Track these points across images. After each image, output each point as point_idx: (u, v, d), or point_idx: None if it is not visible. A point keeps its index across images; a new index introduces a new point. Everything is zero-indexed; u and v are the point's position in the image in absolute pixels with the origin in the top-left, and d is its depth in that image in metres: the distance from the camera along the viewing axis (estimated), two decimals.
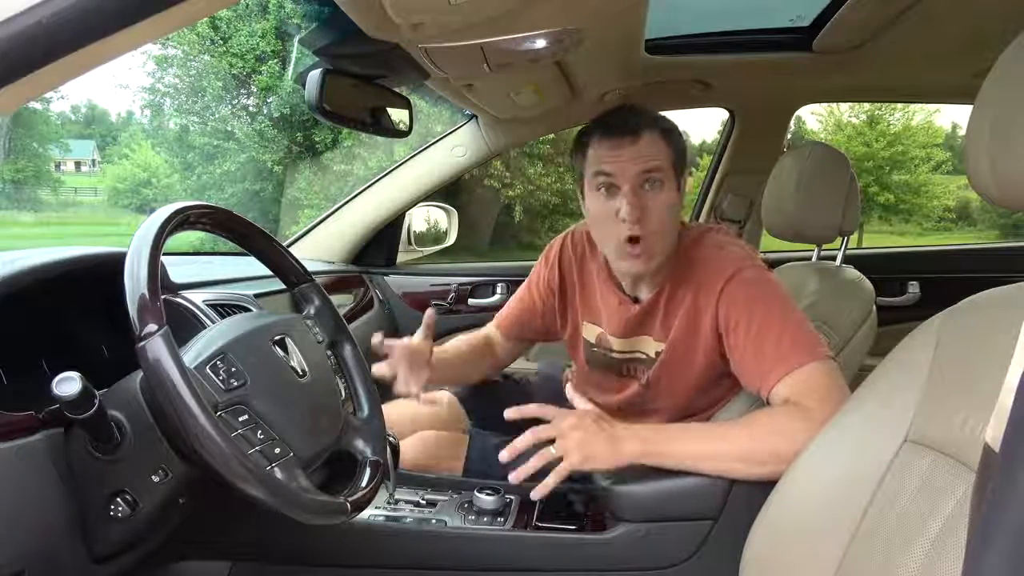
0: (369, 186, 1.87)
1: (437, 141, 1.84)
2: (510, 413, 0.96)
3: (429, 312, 1.11)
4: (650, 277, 1.08)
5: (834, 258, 1.46)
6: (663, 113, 1.07)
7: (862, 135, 13.45)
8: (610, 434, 0.92)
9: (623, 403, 1.16)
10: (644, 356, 1.12)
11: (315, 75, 1.07)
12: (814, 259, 1.50)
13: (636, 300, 1.11)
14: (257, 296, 1.21)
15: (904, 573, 0.57)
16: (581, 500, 1.02)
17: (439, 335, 1.95)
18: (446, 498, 1.00)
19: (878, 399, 0.71)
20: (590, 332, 1.20)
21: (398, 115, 1.31)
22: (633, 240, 0.99)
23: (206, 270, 1.29)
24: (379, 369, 1.04)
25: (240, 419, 0.66)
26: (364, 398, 0.88)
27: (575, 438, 0.91)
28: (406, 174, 1.85)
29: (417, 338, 1.09)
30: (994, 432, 0.32)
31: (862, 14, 1.26)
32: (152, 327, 0.60)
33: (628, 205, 0.97)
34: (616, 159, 0.99)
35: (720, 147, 2.07)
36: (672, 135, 1.03)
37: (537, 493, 0.91)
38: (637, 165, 0.98)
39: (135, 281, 0.62)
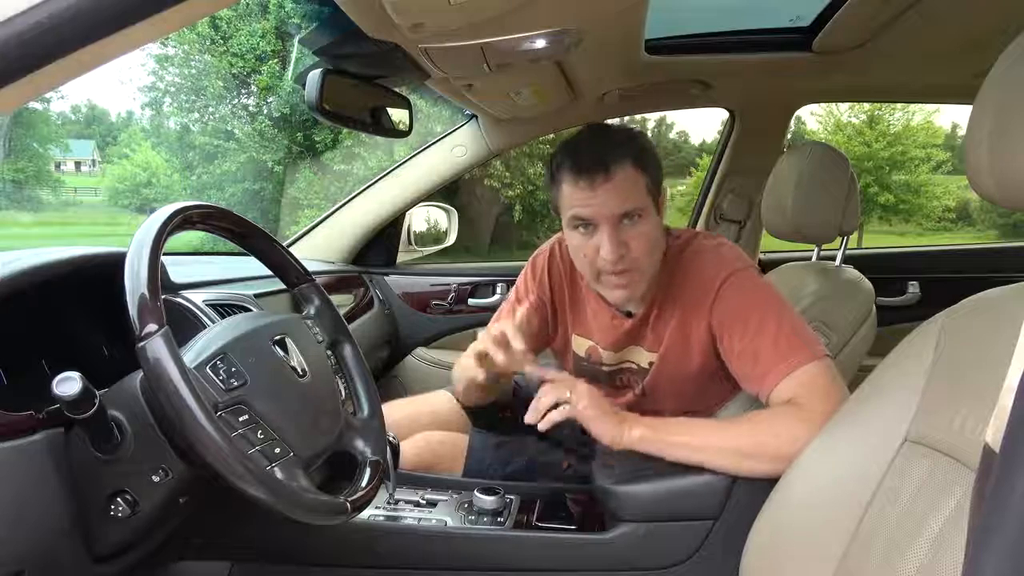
0: (369, 186, 1.87)
1: (437, 141, 1.84)
2: (529, 417, 0.95)
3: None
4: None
5: (834, 258, 1.46)
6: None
7: (862, 135, 13.46)
8: (617, 412, 0.95)
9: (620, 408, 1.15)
10: (635, 366, 1.12)
11: (315, 75, 1.07)
12: (814, 259, 1.50)
13: (629, 315, 1.10)
14: (257, 296, 1.21)
15: (904, 573, 0.57)
16: (581, 500, 1.02)
17: (438, 335, 1.96)
18: (446, 498, 1.01)
19: (878, 399, 0.71)
20: (580, 345, 1.18)
21: (398, 115, 1.31)
22: (619, 272, 0.99)
23: (206, 270, 1.29)
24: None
25: (240, 419, 0.66)
26: (364, 398, 0.88)
27: (588, 396, 0.94)
28: (406, 174, 1.85)
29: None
30: (994, 432, 0.32)
31: (862, 14, 1.26)
32: (152, 327, 0.60)
33: (609, 244, 0.96)
34: (591, 202, 0.96)
35: (720, 147, 2.07)
36: (644, 160, 0.98)
37: (540, 423, 0.93)
38: (614, 207, 0.95)
39: (135, 281, 0.62)
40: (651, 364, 1.09)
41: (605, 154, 0.96)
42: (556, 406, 0.94)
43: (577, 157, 0.97)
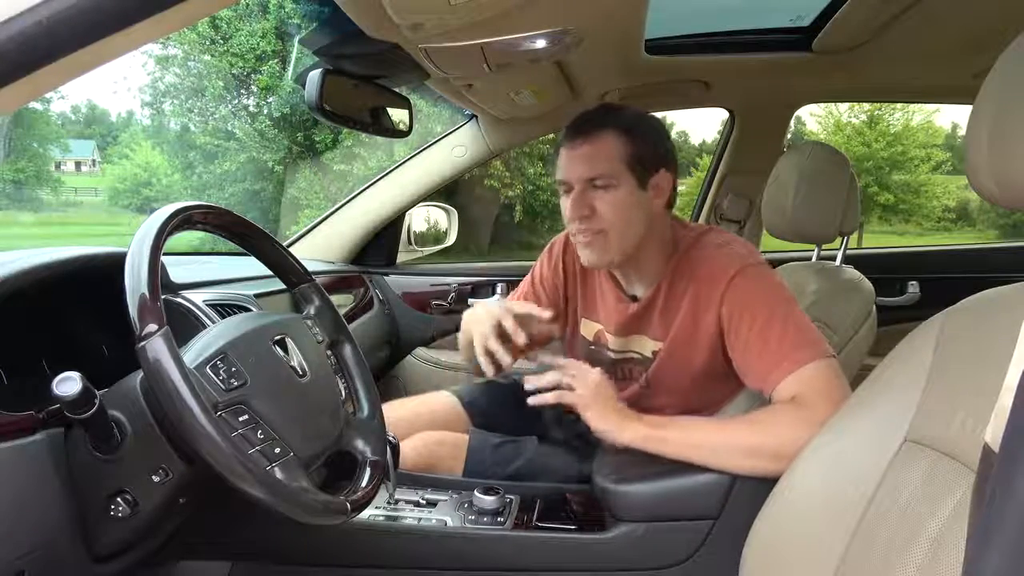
0: (369, 186, 1.87)
1: (437, 141, 1.84)
2: (527, 386, 1.01)
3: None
4: (644, 273, 1.09)
5: (834, 258, 1.46)
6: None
7: (862, 135, 13.45)
8: (621, 409, 0.96)
9: (623, 402, 1.16)
10: (639, 356, 1.12)
11: (315, 75, 1.07)
12: (814, 259, 1.50)
13: (634, 299, 1.11)
14: (257, 296, 1.21)
15: (904, 573, 0.57)
16: (581, 500, 1.02)
17: (438, 335, 1.96)
18: (446, 498, 1.00)
19: (878, 399, 0.71)
20: (588, 329, 1.20)
21: (398, 115, 1.31)
22: (583, 232, 1.03)
23: (206, 270, 1.29)
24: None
25: (240, 419, 0.66)
26: (364, 398, 0.88)
27: (594, 386, 0.96)
28: (406, 174, 1.85)
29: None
30: (994, 432, 0.32)
31: (862, 14, 1.26)
32: (152, 327, 0.60)
33: (572, 204, 1.02)
34: (567, 164, 1.03)
35: (720, 147, 2.07)
36: (634, 133, 1.01)
37: (536, 400, 0.99)
38: (583, 170, 1.01)
39: (135, 281, 0.62)
40: (655, 353, 1.09)
41: (588, 121, 1.02)
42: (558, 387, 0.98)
43: (569, 127, 1.05)
